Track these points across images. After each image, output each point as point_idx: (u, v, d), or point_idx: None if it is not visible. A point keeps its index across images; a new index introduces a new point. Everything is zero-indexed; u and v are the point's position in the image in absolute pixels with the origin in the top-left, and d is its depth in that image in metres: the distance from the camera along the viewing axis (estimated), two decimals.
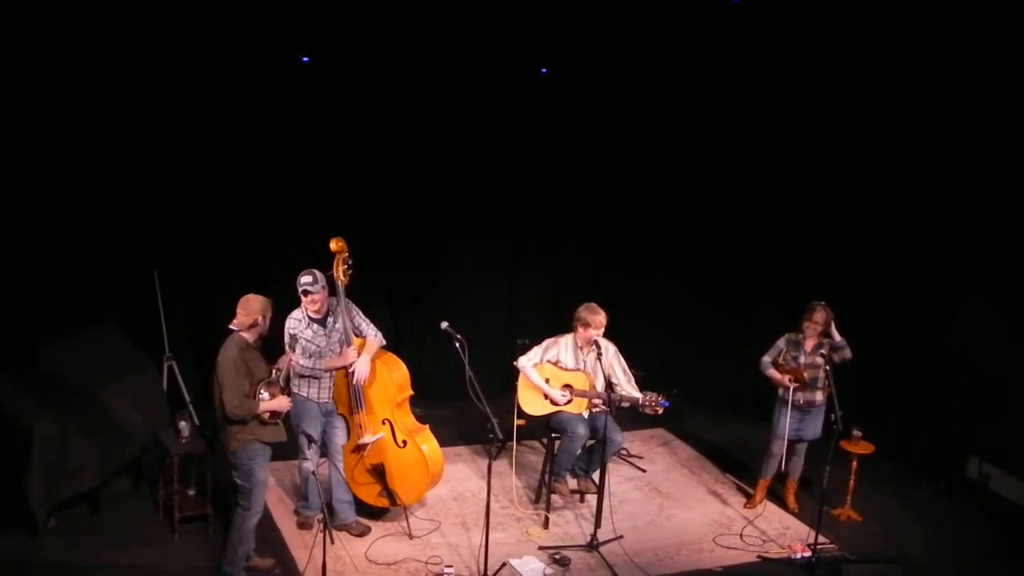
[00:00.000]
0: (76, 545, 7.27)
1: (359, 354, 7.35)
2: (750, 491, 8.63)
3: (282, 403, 6.67)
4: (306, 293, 7.16)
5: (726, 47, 9.77)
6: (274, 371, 6.67)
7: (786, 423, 8.03)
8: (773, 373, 8.10)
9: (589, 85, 10.00)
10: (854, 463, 8.20)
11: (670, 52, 9.78)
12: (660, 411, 7.76)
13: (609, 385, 7.76)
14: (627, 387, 7.91)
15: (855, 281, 9.43)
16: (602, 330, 7.84)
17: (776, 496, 8.51)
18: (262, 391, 6.55)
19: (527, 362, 7.97)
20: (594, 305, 7.90)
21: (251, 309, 6.56)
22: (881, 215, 9.43)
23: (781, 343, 8.13)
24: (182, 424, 7.63)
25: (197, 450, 7.62)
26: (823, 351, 7.90)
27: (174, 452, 7.51)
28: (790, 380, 7.97)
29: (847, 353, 7.94)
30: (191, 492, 7.78)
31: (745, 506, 8.50)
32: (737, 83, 9.94)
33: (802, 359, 7.99)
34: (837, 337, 7.98)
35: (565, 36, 9.60)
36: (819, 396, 8.02)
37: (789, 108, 9.69)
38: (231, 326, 6.58)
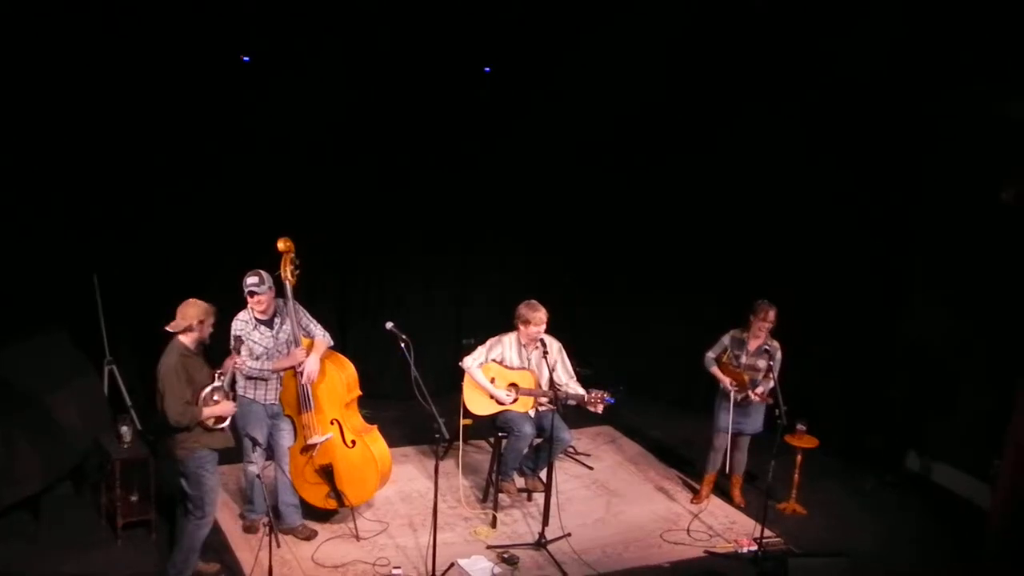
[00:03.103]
0: (17, 552, 7.14)
1: (308, 354, 7.31)
2: (696, 486, 8.70)
3: (226, 408, 6.59)
4: (252, 294, 7.09)
5: (678, 42, 9.74)
6: (217, 375, 6.58)
7: (728, 416, 8.10)
8: (716, 371, 8.18)
9: (535, 84, 9.98)
10: (798, 457, 8.28)
11: (617, 50, 9.80)
12: (601, 409, 7.79)
13: (553, 383, 7.77)
14: (571, 385, 7.94)
15: (801, 275, 9.53)
16: (543, 326, 7.83)
17: (722, 491, 8.59)
18: (214, 396, 6.49)
19: (472, 362, 7.94)
20: (534, 302, 7.88)
21: (187, 314, 6.45)
22: (829, 208, 9.51)
23: (726, 340, 8.20)
24: (123, 429, 7.54)
25: (139, 455, 7.52)
26: (767, 348, 7.98)
27: (115, 457, 7.42)
28: (732, 383, 8.05)
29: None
30: (134, 498, 7.65)
31: (692, 501, 8.56)
32: (685, 78, 9.94)
33: (744, 359, 8.07)
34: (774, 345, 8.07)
35: (510, 35, 9.59)
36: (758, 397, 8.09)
37: (739, 102, 9.74)
38: (167, 328, 6.49)
